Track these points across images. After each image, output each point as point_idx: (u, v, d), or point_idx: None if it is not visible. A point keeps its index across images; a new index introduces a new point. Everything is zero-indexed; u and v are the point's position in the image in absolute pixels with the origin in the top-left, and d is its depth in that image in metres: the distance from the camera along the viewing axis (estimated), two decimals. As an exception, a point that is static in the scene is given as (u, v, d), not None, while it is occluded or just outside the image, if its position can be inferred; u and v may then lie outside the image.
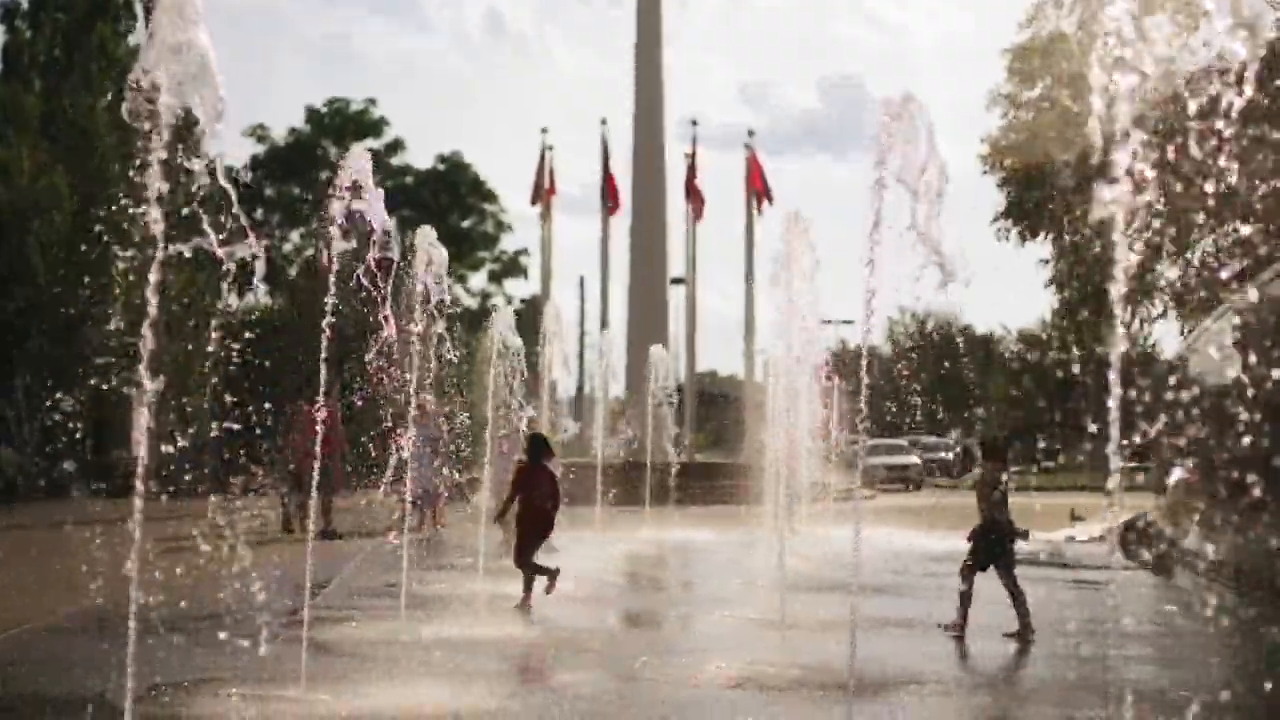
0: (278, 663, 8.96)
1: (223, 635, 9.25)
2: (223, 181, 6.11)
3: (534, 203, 44.45)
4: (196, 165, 6.08)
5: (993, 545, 11.40)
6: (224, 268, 6.26)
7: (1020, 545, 11.84)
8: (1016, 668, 10.77)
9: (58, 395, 30.02)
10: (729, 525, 23.36)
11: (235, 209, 6.11)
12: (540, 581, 13.08)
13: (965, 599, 11.43)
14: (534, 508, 13.23)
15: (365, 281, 10.05)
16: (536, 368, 21.75)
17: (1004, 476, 11.79)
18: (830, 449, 24.31)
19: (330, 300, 9.12)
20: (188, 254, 6.15)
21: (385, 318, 10.52)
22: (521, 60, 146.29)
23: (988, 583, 11.47)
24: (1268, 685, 8.56)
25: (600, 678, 9.77)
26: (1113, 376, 4.23)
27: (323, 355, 9.45)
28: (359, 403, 19.86)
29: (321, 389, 9.99)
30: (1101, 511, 24.80)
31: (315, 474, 11.42)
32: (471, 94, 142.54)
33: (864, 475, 9.78)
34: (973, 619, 11.48)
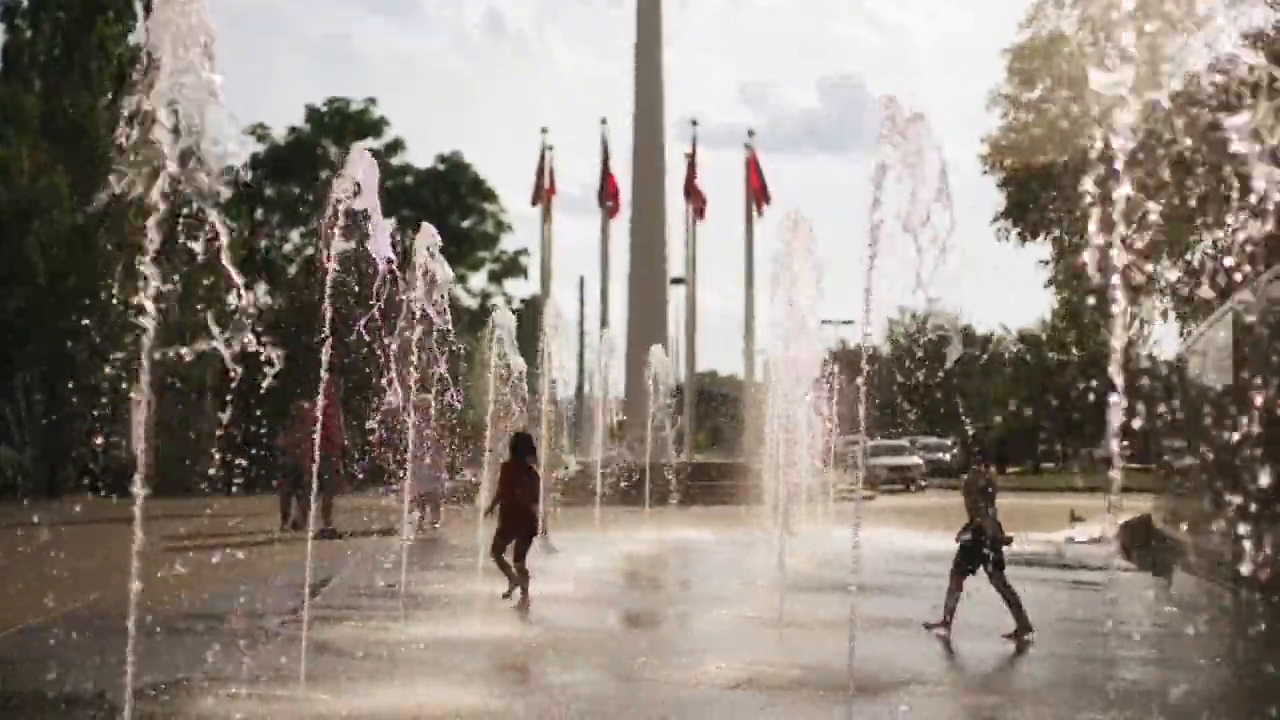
0: (278, 663, 8.96)
1: (223, 635, 9.26)
2: (228, 266, 6.03)
3: (534, 203, 44.46)
4: (198, 248, 5.99)
5: (981, 548, 11.35)
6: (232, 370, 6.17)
7: (1007, 548, 11.81)
8: (1015, 668, 10.76)
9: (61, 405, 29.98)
10: (729, 525, 23.35)
11: (244, 303, 6.03)
12: (506, 583, 13.28)
13: (952, 598, 11.43)
14: (519, 507, 13.33)
15: (367, 335, 9.76)
16: (537, 390, 21.71)
17: (991, 476, 11.77)
18: (830, 449, 24.29)
19: (329, 311, 9.00)
20: (189, 357, 6.08)
21: (390, 381, 10.31)
22: (521, 60, 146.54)
23: (986, 583, 11.45)
24: (1267, 686, 8.57)
25: (600, 678, 9.78)
26: (1114, 378, 4.22)
27: (324, 357, 9.38)
28: (360, 475, 20.13)
29: (321, 389, 9.92)
30: (1101, 512, 24.80)
31: (315, 473, 11.39)
32: (471, 94, 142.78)
33: (865, 476, 9.78)
34: (973, 620, 11.47)
